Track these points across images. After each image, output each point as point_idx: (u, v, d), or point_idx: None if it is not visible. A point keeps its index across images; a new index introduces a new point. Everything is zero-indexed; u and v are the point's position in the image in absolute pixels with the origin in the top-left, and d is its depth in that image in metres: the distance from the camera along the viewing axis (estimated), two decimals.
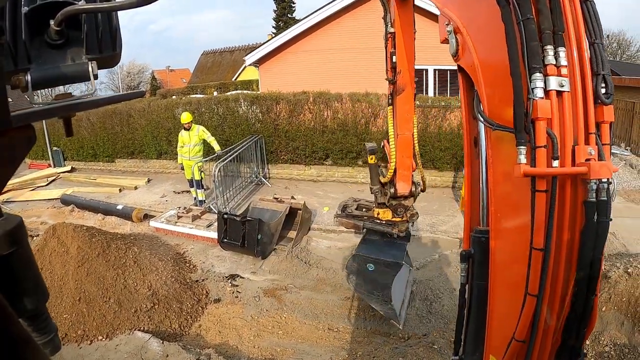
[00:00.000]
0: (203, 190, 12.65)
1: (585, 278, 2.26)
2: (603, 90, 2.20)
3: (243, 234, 9.25)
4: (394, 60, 5.35)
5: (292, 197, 10.83)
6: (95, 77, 1.05)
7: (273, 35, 29.14)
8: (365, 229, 6.69)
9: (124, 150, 18.88)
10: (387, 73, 5.63)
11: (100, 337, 7.17)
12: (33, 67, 1.00)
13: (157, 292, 7.86)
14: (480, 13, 2.65)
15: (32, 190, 18.37)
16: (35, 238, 12.10)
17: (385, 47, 5.53)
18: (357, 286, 6.78)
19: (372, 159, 6.00)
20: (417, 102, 8.18)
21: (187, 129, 11.90)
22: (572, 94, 2.20)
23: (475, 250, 2.83)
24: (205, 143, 12.21)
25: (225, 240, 9.41)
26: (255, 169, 14.61)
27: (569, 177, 2.21)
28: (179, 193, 14.51)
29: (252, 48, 24.97)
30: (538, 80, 2.14)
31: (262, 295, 8.12)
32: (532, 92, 2.14)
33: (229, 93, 21.42)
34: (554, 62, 2.16)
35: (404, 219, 6.15)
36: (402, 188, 5.83)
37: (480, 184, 2.98)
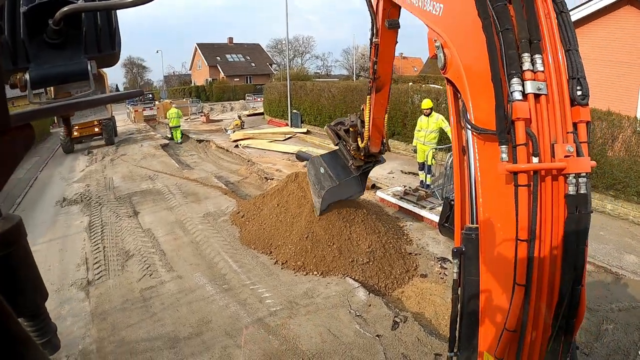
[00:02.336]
0: (431, 175, 12.80)
1: (570, 268, 2.39)
2: (579, 93, 2.38)
3: None
4: (375, 67, 6.48)
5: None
6: (94, 76, 1.05)
7: None
8: (337, 147, 8.81)
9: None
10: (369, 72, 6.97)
11: (315, 272, 8.04)
12: (32, 66, 1.00)
13: (375, 252, 8.32)
14: (464, 26, 2.81)
15: (270, 142, 20.64)
16: (269, 181, 13.78)
17: (370, 52, 6.52)
18: (309, 175, 9.05)
19: (352, 129, 8.13)
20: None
21: (427, 115, 12.17)
22: (550, 97, 2.40)
23: (466, 247, 2.93)
24: (441, 131, 12.29)
25: (446, 225, 9.44)
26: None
27: (549, 172, 2.37)
28: (406, 173, 14.75)
29: None
30: (516, 85, 2.37)
31: None
32: (511, 95, 2.39)
33: None
34: (531, 68, 2.38)
35: (367, 160, 8.45)
36: (374, 149, 8.02)
37: (470, 186, 3.06)
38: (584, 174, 2.32)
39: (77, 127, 22.56)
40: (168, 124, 25.05)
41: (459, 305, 3.14)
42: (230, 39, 69.65)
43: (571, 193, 2.33)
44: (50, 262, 9.03)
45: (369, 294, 7.35)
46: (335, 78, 64.07)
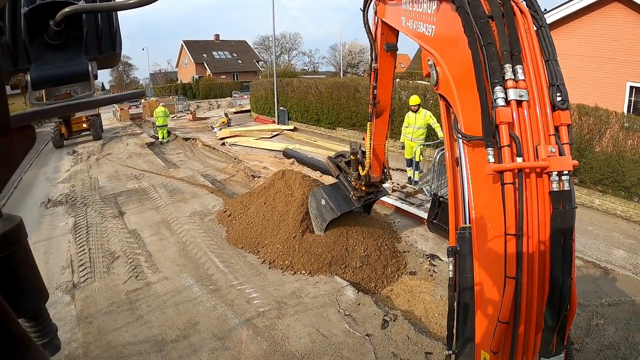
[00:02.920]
0: (419, 171, 12.79)
1: (558, 261, 2.51)
2: (559, 98, 2.58)
3: None
4: (375, 92, 6.72)
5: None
6: (95, 77, 1.05)
7: None
8: (339, 179, 8.69)
9: (346, 120, 20.15)
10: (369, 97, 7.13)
11: (303, 272, 7.99)
12: (33, 67, 1.00)
13: (370, 256, 8.27)
14: (453, 43, 3.08)
15: (257, 139, 20.57)
16: (256, 178, 13.73)
17: (369, 77, 6.72)
18: (310, 207, 8.81)
19: (353, 157, 7.92)
20: None
21: (415, 111, 12.19)
22: (531, 103, 2.59)
23: (460, 246, 3.06)
24: (429, 128, 12.29)
25: (434, 221, 9.48)
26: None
27: (533, 170, 2.53)
28: (393, 170, 14.76)
29: None
30: (499, 92, 2.55)
31: None
32: (495, 102, 2.56)
33: None
34: (513, 77, 2.57)
35: (369, 191, 8.38)
36: (374, 179, 8.01)
37: (463, 194, 3.18)
38: (567, 172, 2.47)
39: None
40: (154, 123, 24.68)
41: (455, 303, 3.20)
42: (217, 35, 69.30)
43: (555, 190, 2.47)
44: None
45: (357, 292, 7.35)
46: (322, 75, 64.04)
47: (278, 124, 24.94)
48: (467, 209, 3.10)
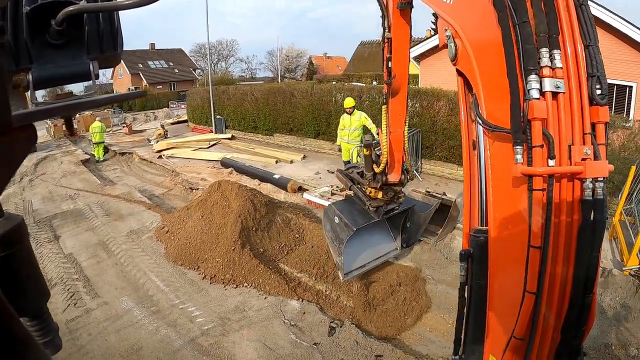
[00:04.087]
0: None
1: (582, 276, 2.30)
2: (598, 92, 2.26)
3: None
4: (389, 65, 5.69)
5: (444, 194, 10.69)
6: (97, 76, 1.07)
7: (432, 30, 28.74)
8: (351, 191, 7.68)
9: (283, 126, 19.98)
10: (383, 75, 5.92)
11: (246, 284, 7.86)
12: (34, 66, 1.01)
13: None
14: (477, 17, 2.69)
15: (194, 150, 20.28)
16: (194, 191, 13.54)
17: (383, 51, 5.79)
18: (325, 230, 7.67)
19: (367, 151, 6.76)
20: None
21: (349, 114, 12.24)
22: (568, 95, 2.28)
23: (474, 250, 2.86)
24: (365, 129, 12.41)
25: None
26: (410, 162, 14.51)
27: (565, 176, 2.27)
28: (332, 172, 14.86)
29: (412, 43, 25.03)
30: (534, 82, 2.23)
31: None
32: (528, 93, 2.25)
33: None
34: (550, 64, 2.25)
35: (388, 199, 7.03)
36: (393, 177, 6.69)
37: (479, 185, 3.00)
38: (601, 179, 2.22)
39: None
40: (91, 140, 22.88)
41: (465, 309, 3.09)
42: (152, 44, 67.34)
43: (587, 198, 2.22)
44: None
45: (302, 301, 7.31)
46: (260, 81, 63.74)
47: (215, 133, 24.49)
48: (484, 208, 2.91)
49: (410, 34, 5.67)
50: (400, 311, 7.16)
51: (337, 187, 11.84)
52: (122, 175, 18.49)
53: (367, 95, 15.97)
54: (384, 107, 6.12)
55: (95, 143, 22.03)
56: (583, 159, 2.22)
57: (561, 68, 2.27)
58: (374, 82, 27.96)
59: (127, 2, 0.99)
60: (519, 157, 2.30)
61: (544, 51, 2.25)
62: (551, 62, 2.26)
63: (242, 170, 15.52)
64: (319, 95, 17.59)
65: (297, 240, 9.26)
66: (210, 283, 8.07)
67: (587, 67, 2.29)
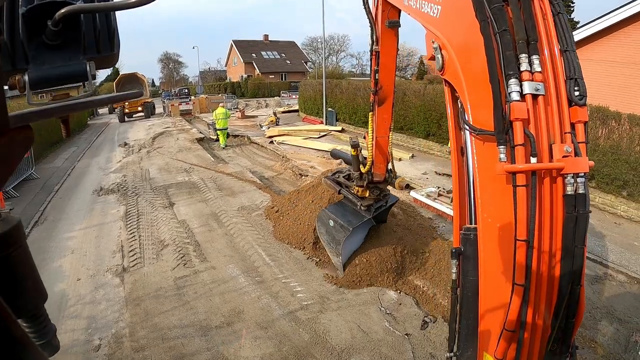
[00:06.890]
0: None
1: (569, 268, 2.41)
2: (577, 93, 2.39)
3: None
4: (377, 76, 6.20)
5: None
6: (93, 77, 1.05)
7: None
8: (341, 194, 8.27)
9: (394, 124, 19.88)
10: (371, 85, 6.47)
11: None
12: (31, 67, 1.00)
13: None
14: (462, 28, 2.82)
15: (305, 139, 20.75)
16: (304, 177, 13.87)
17: (370, 62, 6.22)
18: (320, 235, 8.29)
19: (354, 151, 7.44)
20: None
21: None
22: (548, 97, 2.42)
23: (464, 247, 2.94)
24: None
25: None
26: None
27: (547, 172, 2.40)
28: (440, 174, 14.59)
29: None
30: (514, 85, 2.39)
31: None
32: (509, 95, 2.40)
33: None
34: (529, 69, 2.39)
35: (376, 197, 7.82)
36: (378, 177, 7.43)
37: (468, 186, 3.03)
38: (582, 174, 2.35)
39: (127, 105, 36.56)
40: (214, 125, 22.52)
41: (457, 306, 3.17)
42: (266, 36, 70.18)
43: (569, 193, 2.36)
44: (87, 248, 9.42)
45: (399, 292, 7.39)
46: (369, 77, 63.76)
47: (326, 124, 25.05)
48: (472, 207, 3.00)
49: (397, 48, 6.08)
50: None
51: (443, 188, 11.70)
52: (234, 156, 19.62)
53: None
54: (370, 114, 6.67)
55: (218, 129, 21.73)
56: (564, 156, 2.35)
57: (540, 72, 2.41)
58: None
59: (123, 3, 0.97)
60: (502, 156, 2.45)
61: (523, 57, 2.41)
62: (530, 66, 2.41)
63: (350, 162, 15.67)
64: (432, 96, 17.28)
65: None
66: (316, 265, 8.40)
67: (565, 70, 2.44)
